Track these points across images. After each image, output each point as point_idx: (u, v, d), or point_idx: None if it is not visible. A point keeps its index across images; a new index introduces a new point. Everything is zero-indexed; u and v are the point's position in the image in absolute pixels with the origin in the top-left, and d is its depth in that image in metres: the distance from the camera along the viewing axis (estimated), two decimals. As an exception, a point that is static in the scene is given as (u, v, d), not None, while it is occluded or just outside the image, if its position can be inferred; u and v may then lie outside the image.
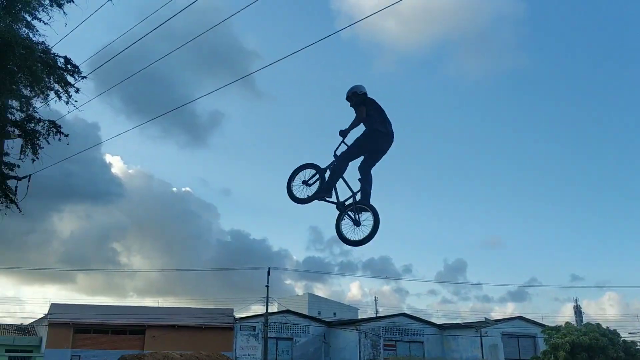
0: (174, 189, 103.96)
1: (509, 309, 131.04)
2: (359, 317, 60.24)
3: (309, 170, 7.28)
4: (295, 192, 7.26)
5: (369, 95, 7.11)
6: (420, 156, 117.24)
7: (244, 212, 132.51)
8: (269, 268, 43.36)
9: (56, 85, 15.34)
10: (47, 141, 22.19)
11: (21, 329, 48.35)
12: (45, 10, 13.19)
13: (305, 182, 7.24)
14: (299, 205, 7.28)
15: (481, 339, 44.21)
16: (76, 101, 16.19)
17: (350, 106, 7.13)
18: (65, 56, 14.97)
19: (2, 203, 22.09)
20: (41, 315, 47.54)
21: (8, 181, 20.37)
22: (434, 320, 53.11)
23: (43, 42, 13.99)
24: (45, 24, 13.45)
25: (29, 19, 13.19)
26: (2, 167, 21.18)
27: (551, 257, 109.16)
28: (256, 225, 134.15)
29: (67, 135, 22.70)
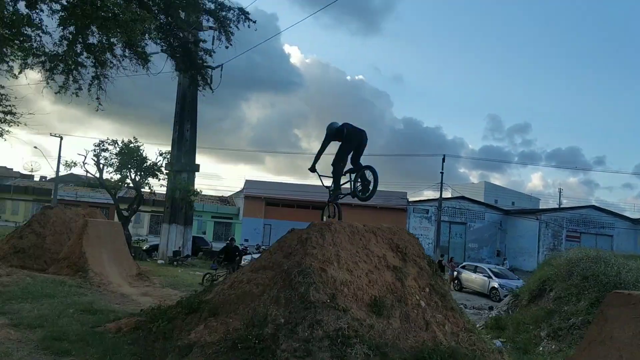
0: (348, 77, 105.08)
1: None
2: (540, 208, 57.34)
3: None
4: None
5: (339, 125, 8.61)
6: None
7: (417, 99, 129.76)
8: (444, 155, 42.40)
9: None
10: (237, 27, 23.08)
11: (222, 200, 55.44)
12: None
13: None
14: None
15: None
16: None
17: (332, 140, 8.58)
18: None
19: (202, 89, 24.02)
20: (237, 190, 53.70)
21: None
22: (627, 214, 48.32)
23: None
24: None
25: None
26: (200, 53, 22.71)
27: None
28: (429, 114, 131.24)
29: (254, 22, 23.38)
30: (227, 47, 22.87)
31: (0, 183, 57.90)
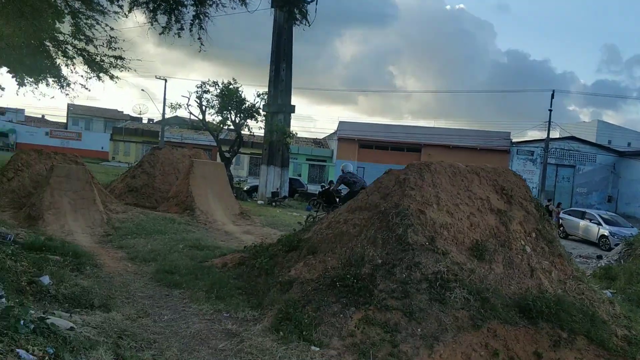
0: (447, 6, 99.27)
1: None
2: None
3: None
4: None
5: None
6: None
7: (524, 30, 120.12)
8: (553, 91, 39.29)
9: None
10: None
11: (316, 142, 56.12)
12: None
13: None
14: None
15: None
16: None
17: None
18: None
19: (299, 23, 23.73)
20: (331, 132, 53.98)
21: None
22: None
23: None
24: None
25: None
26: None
27: None
28: (537, 45, 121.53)
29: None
30: None
31: (113, 125, 62.79)
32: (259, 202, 25.33)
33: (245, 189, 28.77)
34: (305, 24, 23.16)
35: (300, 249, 7.76)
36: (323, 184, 31.58)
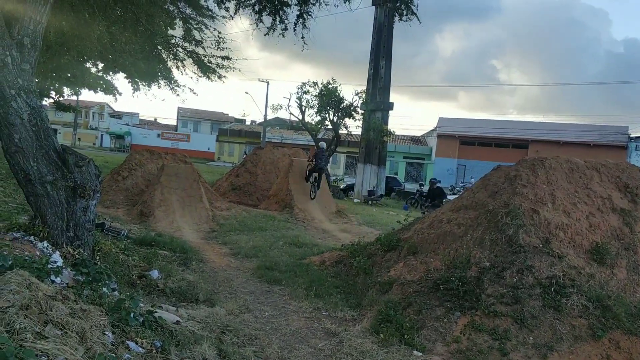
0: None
1: None
2: None
3: None
4: None
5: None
6: None
7: None
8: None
9: None
10: None
11: (414, 140, 55.06)
12: None
13: None
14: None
15: None
16: None
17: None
18: None
19: (403, 16, 23.21)
20: (430, 129, 52.69)
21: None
22: None
23: None
24: None
25: None
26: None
27: None
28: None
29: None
30: None
31: (219, 127, 65.99)
32: (355, 200, 25.27)
33: (341, 187, 28.85)
34: (414, 21, 22.60)
35: (399, 249, 7.52)
36: (421, 182, 30.82)
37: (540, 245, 5.94)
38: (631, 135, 41.51)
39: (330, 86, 25.87)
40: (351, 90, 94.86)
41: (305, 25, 13.44)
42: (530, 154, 42.62)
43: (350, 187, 28.18)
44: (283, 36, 13.64)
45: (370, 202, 24.34)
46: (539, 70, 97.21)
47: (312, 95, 26.33)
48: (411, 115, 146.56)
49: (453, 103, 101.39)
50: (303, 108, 26.71)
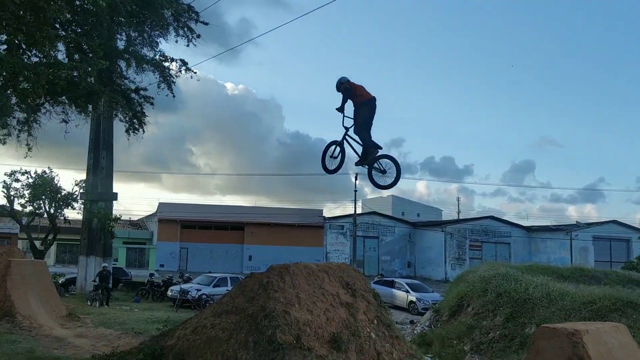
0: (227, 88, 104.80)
1: (585, 210, 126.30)
2: (443, 219, 61.34)
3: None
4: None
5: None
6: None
7: (304, 112, 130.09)
8: (357, 174, 44.36)
9: None
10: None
11: (133, 224, 53.50)
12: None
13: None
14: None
15: (571, 241, 44.01)
16: None
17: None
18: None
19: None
20: (148, 213, 52.17)
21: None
22: (522, 222, 53.21)
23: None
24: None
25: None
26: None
27: (617, 158, 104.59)
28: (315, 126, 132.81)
29: (195, 72, 21.87)
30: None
31: None
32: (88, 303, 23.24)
33: (61, 282, 26.18)
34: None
35: (164, 358, 7.92)
36: (152, 272, 30.25)
37: (294, 342, 7.27)
38: (326, 216, 49.36)
39: (45, 175, 24.08)
40: (72, 178, 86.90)
41: (31, 134, 13.10)
42: (246, 234, 46.36)
43: (72, 281, 25.82)
44: (3, 143, 13.07)
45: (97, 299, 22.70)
46: (232, 155, 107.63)
47: (23, 184, 24.01)
48: (122, 198, 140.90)
49: (157, 184, 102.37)
50: (12, 198, 24.00)
